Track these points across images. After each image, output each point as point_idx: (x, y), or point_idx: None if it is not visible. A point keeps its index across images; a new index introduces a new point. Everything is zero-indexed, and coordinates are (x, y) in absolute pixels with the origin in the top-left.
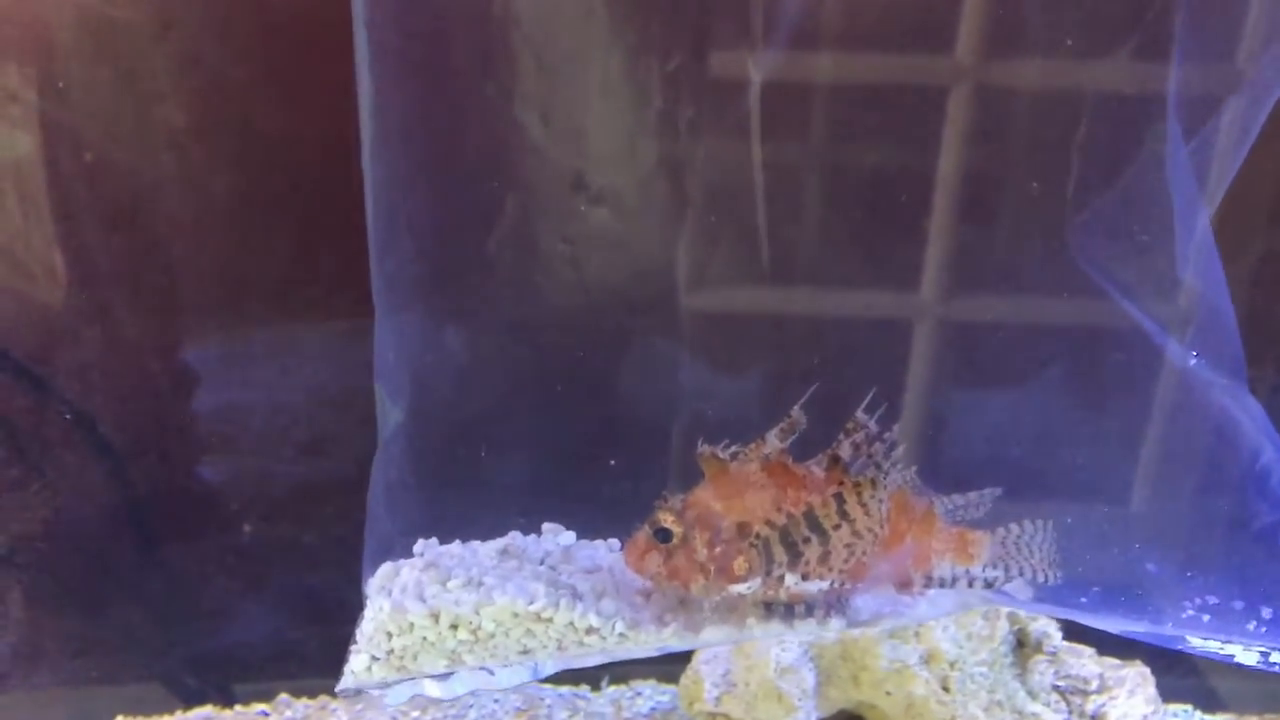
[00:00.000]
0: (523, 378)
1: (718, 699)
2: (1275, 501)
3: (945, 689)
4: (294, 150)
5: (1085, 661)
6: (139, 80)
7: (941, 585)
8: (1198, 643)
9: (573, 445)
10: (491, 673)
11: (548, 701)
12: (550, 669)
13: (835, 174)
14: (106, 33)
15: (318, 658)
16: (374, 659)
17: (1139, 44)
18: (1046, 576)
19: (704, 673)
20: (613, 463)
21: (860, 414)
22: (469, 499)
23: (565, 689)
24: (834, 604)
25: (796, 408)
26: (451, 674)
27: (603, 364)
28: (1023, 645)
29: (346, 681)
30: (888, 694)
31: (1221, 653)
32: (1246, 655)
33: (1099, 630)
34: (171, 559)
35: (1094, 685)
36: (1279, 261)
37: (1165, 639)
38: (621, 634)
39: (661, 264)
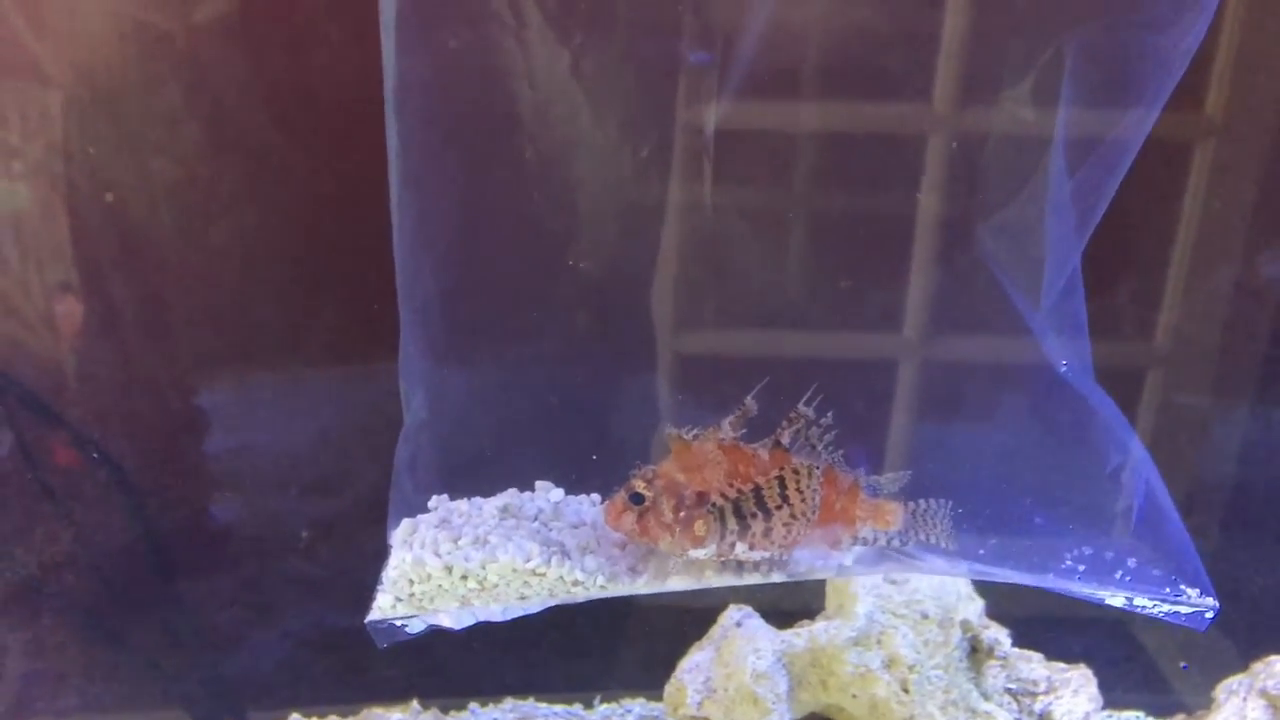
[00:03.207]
0: (524, 386)
1: (699, 704)
2: (1121, 493)
3: (905, 690)
4: (303, 201)
5: (1034, 665)
6: (143, 131)
7: (864, 544)
8: (1075, 589)
9: (565, 445)
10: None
11: (543, 718)
12: (539, 607)
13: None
14: (107, 86)
15: (328, 683)
16: (398, 600)
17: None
18: (944, 544)
19: (686, 680)
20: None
21: (801, 406)
22: (478, 472)
23: (559, 707)
24: (776, 562)
25: (749, 398)
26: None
27: (594, 391)
28: (976, 651)
29: (374, 614)
30: (853, 696)
31: (1095, 596)
32: (1114, 599)
33: (1046, 634)
34: (188, 590)
35: (1042, 687)
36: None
37: (1047, 586)
38: (602, 585)
39: (642, 305)
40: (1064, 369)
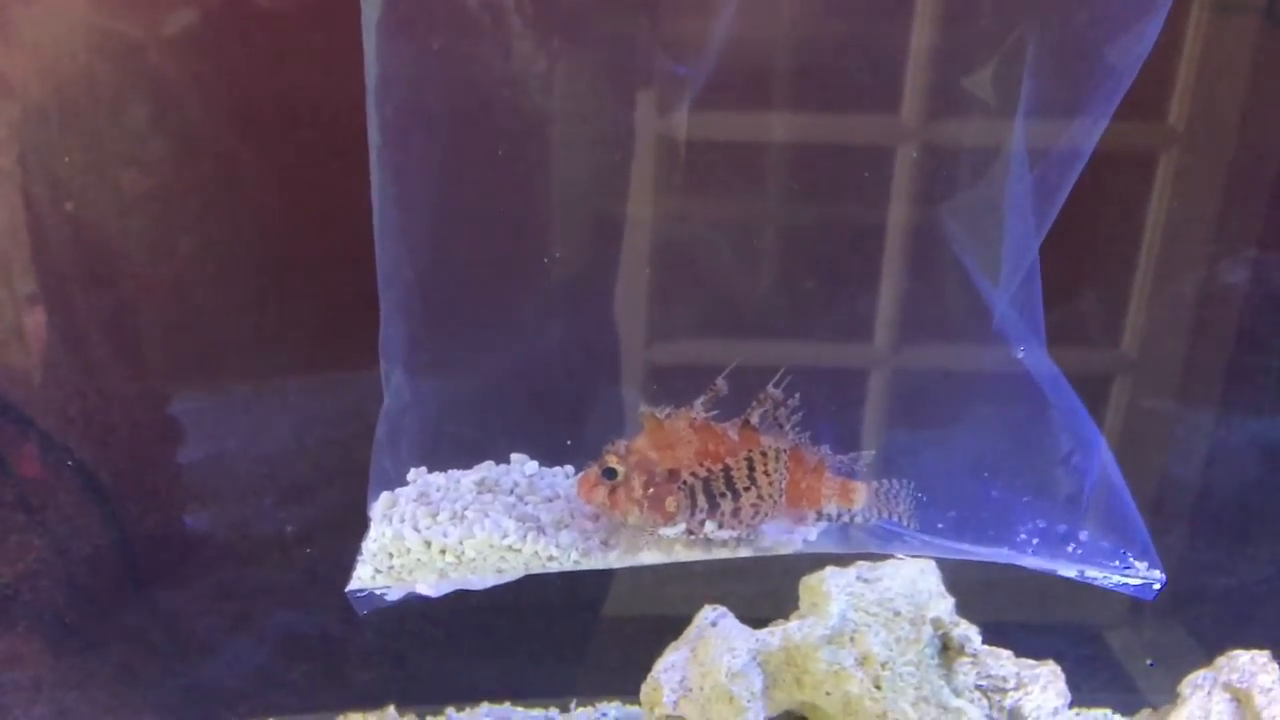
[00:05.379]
0: (498, 370)
1: (675, 703)
2: (1075, 475)
3: (877, 687)
4: (274, 209)
5: (1004, 662)
6: (113, 144)
7: (829, 520)
8: (1029, 562)
9: (540, 424)
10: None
11: None
12: (515, 577)
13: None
14: (75, 97)
15: (304, 690)
16: (378, 571)
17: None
18: (906, 522)
19: (663, 680)
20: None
21: (770, 388)
22: (455, 446)
23: (536, 711)
24: (743, 539)
25: (720, 379)
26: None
27: (569, 402)
28: (947, 648)
29: (354, 584)
30: (827, 694)
31: (1046, 567)
32: (1067, 570)
33: (1015, 635)
34: (163, 597)
35: (1011, 683)
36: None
37: (1003, 558)
38: (576, 560)
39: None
40: (1021, 354)
